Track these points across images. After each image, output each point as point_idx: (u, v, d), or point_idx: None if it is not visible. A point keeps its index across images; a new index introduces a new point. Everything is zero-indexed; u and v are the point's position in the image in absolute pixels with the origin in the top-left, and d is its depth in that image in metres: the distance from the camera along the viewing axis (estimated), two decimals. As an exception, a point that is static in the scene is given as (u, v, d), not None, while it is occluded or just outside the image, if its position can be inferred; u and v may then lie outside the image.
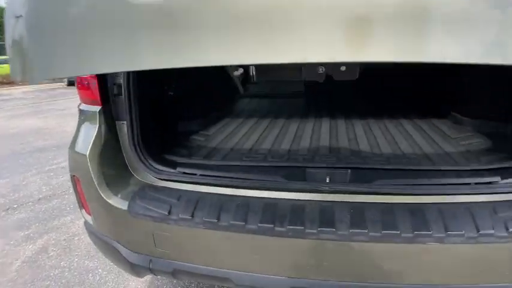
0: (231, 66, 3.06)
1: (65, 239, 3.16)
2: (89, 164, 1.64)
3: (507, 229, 1.24)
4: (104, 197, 1.63)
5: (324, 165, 1.66)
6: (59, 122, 8.67)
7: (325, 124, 2.48)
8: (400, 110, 2.74)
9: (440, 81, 2.78)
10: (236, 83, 3.63)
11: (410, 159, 1.75)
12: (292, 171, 1.61)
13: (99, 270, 2.70)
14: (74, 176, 1.80)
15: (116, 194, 1.65)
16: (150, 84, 1.90)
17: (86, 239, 2.92)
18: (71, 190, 4.17)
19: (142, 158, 1.71)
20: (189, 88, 2.43)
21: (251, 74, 4.99)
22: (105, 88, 1.72)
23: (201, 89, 2.60)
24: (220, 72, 3.21)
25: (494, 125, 2.15)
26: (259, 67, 3.35)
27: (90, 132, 1.69)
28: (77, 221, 3.44)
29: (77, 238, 3.18)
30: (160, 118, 2.24)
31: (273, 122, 2.63)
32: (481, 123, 2.20)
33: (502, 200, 1.38)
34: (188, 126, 2.43)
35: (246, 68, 4.58)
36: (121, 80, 1.69)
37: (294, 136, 2.24)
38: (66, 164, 5.11)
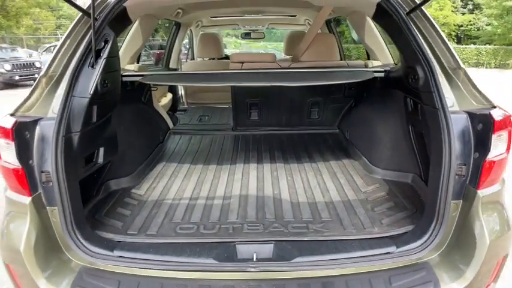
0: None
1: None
2: (24, 259, 1.67)
3: None
4: None
5: (252, 238, 1.90)
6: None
7: (253, 176, 2.71)
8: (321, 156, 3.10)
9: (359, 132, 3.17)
10: (164, 117, 3.68)
11: (325, 225, 2.06)
12: (223, 249, 1.81)
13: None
14: (7, 264, 1.81)
15: (54, 284, 1.71)
16: (78, 163, 1.95)
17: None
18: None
19: (77, 242, 1.77)
20: (118, 147, 2.49)
21: (181, 98, 5.05)
22: (32, 177, 1.74)
23: (129, 142, 2.66)
24: (146, 112, 3.26)
25: (397, 175, 2.57)
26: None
27: (22, 227, 1.71)
28: None
29: None
30: (91, 191, 2.30)
31: (205, 171, 2.82)
32: (385, 173, 2.61)
33: (396, 266, 1.74)
34: (120, 184, 2.50)
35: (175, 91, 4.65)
36: (49, 168, 1.73)
37: (223, 194, 2.44)
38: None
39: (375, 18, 2.40)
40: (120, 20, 2.26)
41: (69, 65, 1.95)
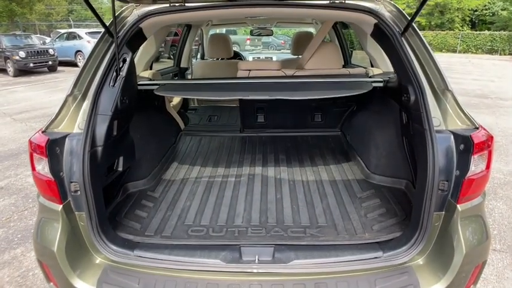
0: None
1: (19, 275, 3.32)
2: (57, 259, 1.94)
3: None
4: (74, 284, 1.95)
5: (255, 241, 2.14)
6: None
7: (258, 180, 2.94)
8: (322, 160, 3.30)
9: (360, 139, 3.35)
10: (176, 119, 3.90)
11: (320, 230, 2.28)
12: (230, 251, 2.05)
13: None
14: (41, 261, 2.08)
15: (84, 280, 1.98)
16: (101, 173, 2.19)
17: (41, 274, 3.13)
18: (16, 216, 4.25)
19: (102, 243, 2.03)
20: (135, 154, 2.73)
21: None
22: (62, 187, 1.98)
23: (145, 147, 2.90)
24: (159, 116, 3.49)
25: (391, 181, 2.76)
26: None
27: (54, 231, 1.96)
28: (27, 254, 3.56)
29: (31, 273, 3.36)
30: (113, 193, 2.55)
31: (214, 173, 3.06)
32: (381, 179, 2.81)
33: (382, 270, 1.96)
34: (137, 187, 2.75)
35: None
36: (77, 179, 1.97)
37: (230, 197, 2.68)
38: (4, 183, 5.04)
39: (373, 35, 2.55)
40: (136, 39, 2.46)
41: (92, 84, 2.17)
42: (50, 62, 17.00)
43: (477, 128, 1.93)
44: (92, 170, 2.01)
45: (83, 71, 2.19)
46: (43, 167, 1.97)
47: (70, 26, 26.58)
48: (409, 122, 2.39)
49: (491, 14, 30.43)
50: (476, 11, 31.03)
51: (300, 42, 4.67)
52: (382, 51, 3.30)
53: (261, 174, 3.06)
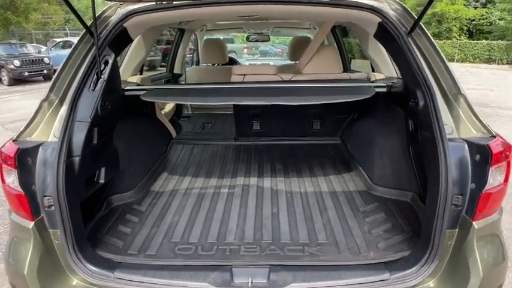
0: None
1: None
2: (28, 282, 1.73)
3: None
4: None
5: (248, 261, 1.93)
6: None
7: (253, 192, 2.74)
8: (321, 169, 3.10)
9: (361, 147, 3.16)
10: (167, 126, 3.71)
11: (320, 248, 2.07)
12: (220, 272, 1.84)
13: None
14: (14, 285, 1.87)
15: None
16: (79, 186, 1.99)
17: None
18: (1, 229, 4.04)
19: (79, 263, 1.82)
20: (120, 164, 2.53)
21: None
22: (34, 202, 1.78)
23: (132, 157, 2.70)
24: (148, 124, 3.30)
25: (396, 193, 2.57)
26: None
27: (26, 251, 1.76)
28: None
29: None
30: (94, 207, 2.34)
31: (206, 184, 2.85)
32: (385, 191, 2.62)
33: None
34: (122, 200, 2.55)
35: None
36: (51, 192, 1.77)
37: (223, 211, 2.48)
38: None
39: (376, 36, 2.38)
40: (120, 40, 2.28)
41: (70, 89, 1.98)
42: (45, 71, 16.79)
43: (494, 137, 1.74)
44: (68, 183, 1.82)
45: (61, 74, 2.00)
46: (13, 179, 1.78)
47: (67, 35, 26.47)
48: (417, 129, 2.21)
49: (488, 24, 30.45)
50: (473, 20, 31.08)
51: (298, 48, 4.52)
52: (385, 54, 3.14)
53: (256, 185, 2.86)
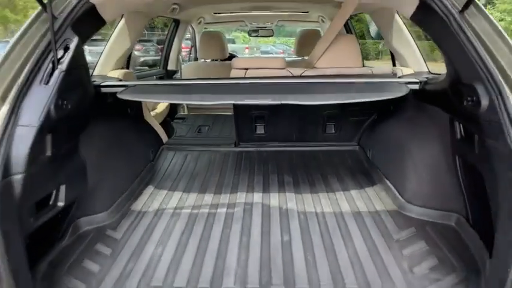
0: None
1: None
2: None
3: None
4: None
5: None
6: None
7: (257, 213, 2.22)
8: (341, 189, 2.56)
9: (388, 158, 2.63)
10: (157, 130, 3.21)
11: None
12: None
13: None
14: None
15: None
16: (24, 214, 1.49)
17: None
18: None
19: None
20: (88, 180, 2.03)
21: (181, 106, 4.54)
22: None
23: (108, 169, 2.20)
24: (132, 127, 2.78)
25: (437, 215, 2.06)
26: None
27: None
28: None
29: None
30: (54, 235, 1.85)
31: (199, 203, 2.34)
32: (422, 211, 2.11)
33: None
34: (94, 223, 2.04)
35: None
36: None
37: (219, 241, 1.95)
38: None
39: (415, 18, 1.88)
40: (87, 21, 1.78)
41: (15, 83, 1.48)
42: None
43: None
44: (6, 211, 1.32)
45: (3, 63, 1.50)
46: None
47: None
48: (472, 137, 1.70)
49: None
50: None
51: (307, 41, 4.02)
52: (414, 45, 2.63)
53: (262, 204, 2.33)
